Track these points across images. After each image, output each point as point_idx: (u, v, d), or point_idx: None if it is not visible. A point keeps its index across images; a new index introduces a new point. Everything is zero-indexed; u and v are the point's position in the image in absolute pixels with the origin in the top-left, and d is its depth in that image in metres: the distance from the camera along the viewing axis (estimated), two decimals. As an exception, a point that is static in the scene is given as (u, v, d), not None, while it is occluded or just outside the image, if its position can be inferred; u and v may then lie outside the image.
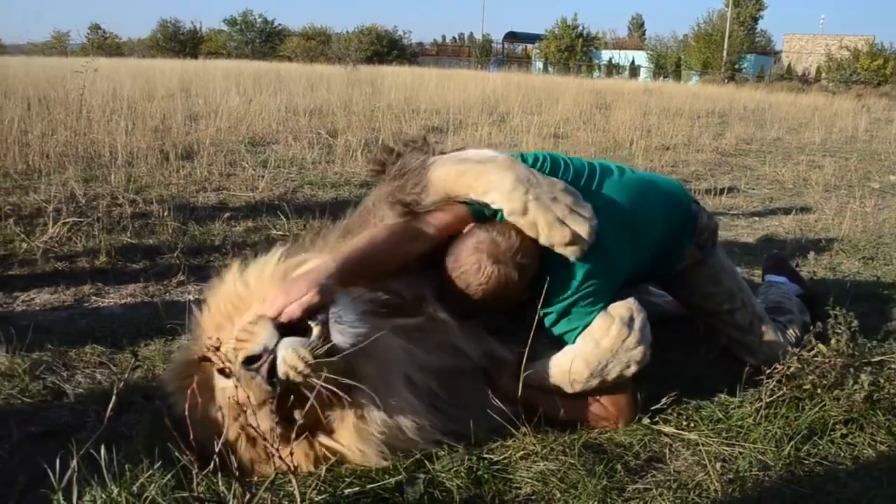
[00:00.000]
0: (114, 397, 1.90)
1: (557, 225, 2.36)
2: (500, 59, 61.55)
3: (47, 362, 2.89)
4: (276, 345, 1.97)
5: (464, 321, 2.51)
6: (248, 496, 1.72)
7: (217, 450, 1.74)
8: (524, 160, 2.69)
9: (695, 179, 8.17)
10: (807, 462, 2.40)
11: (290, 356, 1.94)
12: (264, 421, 1.96)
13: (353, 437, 2.14)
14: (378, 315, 2.24)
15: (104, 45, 63.30)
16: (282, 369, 1.96)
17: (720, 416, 2.66)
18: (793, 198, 7.47)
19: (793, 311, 3.36)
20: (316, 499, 2.01)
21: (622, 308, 2.51)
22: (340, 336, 2.01)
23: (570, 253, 2.40)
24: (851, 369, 2.75)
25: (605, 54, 64.13)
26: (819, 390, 2.68)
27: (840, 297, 3.57)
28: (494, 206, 2.45)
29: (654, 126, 12.44)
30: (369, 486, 2.10)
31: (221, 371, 2.03)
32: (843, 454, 2.47)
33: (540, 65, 60.35)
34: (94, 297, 3.69)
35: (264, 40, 65.50)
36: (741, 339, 3.08)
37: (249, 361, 1.96)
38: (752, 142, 11.93)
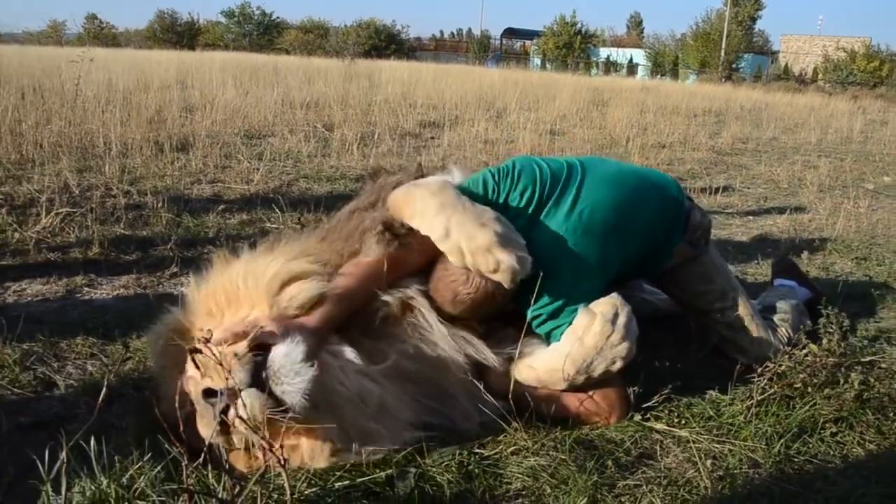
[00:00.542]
0: (104, 389, 1.89)
1: (481, 252, 2.36)
2: (498, 55, 61.47)
3: (38, 353, 2.88)
4: (239, 391, 1.96)
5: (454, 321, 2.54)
6: (237, 489, 1.71)
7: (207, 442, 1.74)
8: (491, 175, 2.71)
9: (690, 178, 8.17)
10: (797, 460, 2.41)
11: (245, 410, 1.93)
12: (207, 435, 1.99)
13: (309, 456, 2.16)
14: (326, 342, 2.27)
15: (100, 35, 63.14)
16: (234, 415, 1.98)
17: (711, 413, 2.67)
18: (787, 197, 7.48)
19: (787, 312, 3.36)
20: (306, 492, 2.02)
21: (605, 305, 2.52)
22: (286, 396, 1.99)
23: (502, 280, 2.39)
24: (842, 368, 2.77)
25: (603, 52, 64.12)
26: (810, 389, 2.69)
27: (832, 297, 3.59)
28: (421, 232, 2.46)
29: (650, 124, 12.44)
30: (359, 480, 2.10)
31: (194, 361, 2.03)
32: (832, 453, 2.48)
33: (538, 61, 60.35)
34: (86, 288, 3.68)
35: (262, 33, 65.33)
36: (732, 338, 3.09)
37: (209, 394, 1.98)
38: (748, 141, 11.94)
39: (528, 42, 70.81)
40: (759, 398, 2.63)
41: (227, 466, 1.86)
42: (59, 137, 7.20)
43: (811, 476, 2.34)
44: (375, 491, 2.09)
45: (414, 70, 22.50)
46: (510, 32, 73.00)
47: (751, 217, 6.41)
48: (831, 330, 2.79)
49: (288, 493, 1.65)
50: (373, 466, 2.17)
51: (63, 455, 1.85)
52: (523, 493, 2.16)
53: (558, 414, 2.55)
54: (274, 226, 4.92)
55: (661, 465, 2.36)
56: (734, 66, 52.54)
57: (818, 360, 2.71)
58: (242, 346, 2.02)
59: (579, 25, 62.63)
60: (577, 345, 2.47)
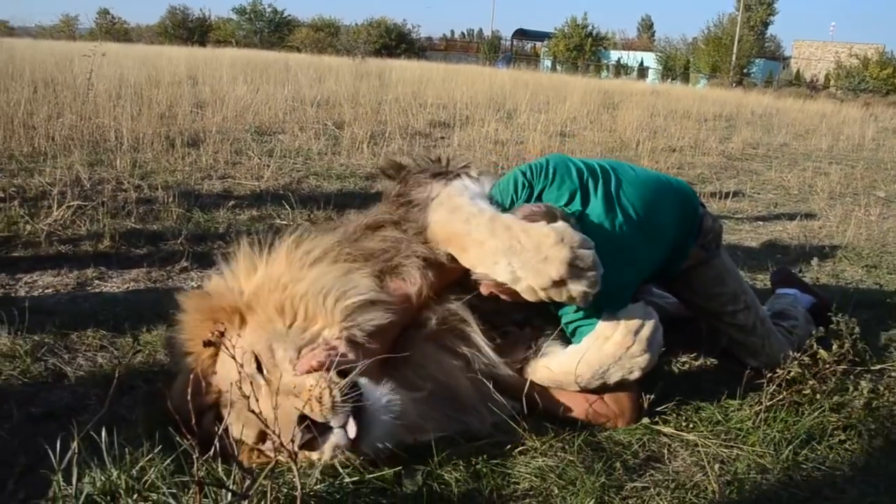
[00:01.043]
0: (115, 380, 1.90)
1: (553, 288, 2.29)
2: (508, 55, 61.41)
3: (49, 344, 2.90)
4: (330, 430, 2.02)
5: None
6: (248, 482, 1.72)
7: (218, 435, 1.75)
8: (522, 173, 2.70)
9: (700, 182, 8.16)
10: (805, 466, 2.40)
11: (329, 453, 2.03)
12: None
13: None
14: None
15: (112, 30, 63.31)
16: (323, 455, 2.05)
17: (720, 417, 2.67)
18: (798, 204, 7.46)
19: (797, 318, 3.36)
20: (316, 487, 2.02)
21: (631, 315, 2.51)
22: (367, 442, 2.08)
23: (578, 304, 2.36)
24: (852, 376, 2.76)
25: (614, 54, 64.06)
26: (819, 396, 2.68)
27: (842, 305, 3.57)
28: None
29: (660, 128, 12.42)
30: (369, 477, 2.10)
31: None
32: (841, 460, 2.47)
33: (548, 63, 60.29)
34: (96, 281, 3.70)
35: (273, 30, 65.43)
36: (744, 341, 3.08)
37: (302, 421, 1.98)
38: (758, 146, 11.90)
39: (538, 43, 70.76)
40: (767, 404, 2.62)
41: (238, 460, 1.87)
42: (70, 131, 7.23)
43: (819, 483, 2.33)
44: (384, 488, 2.09)
45: (424, 69, 22.51)
46: (521, 33, 72.95)
47: (760, 223, 6.40)
48: (841, 337, 2.78)
49: (299, 488, 1.66)
50: (382, 464, 2.18)
51: (74, 445, 1.86)
52: (531, 493, 2.16)
53: (567, 413, 2.55)
54: (284, 222, 4.93)
55: (668, 468, 2.36)
56: (745, 71, 52.40)
57: (828, 366, 2.71)
58: (335, 381, 2.05)
59: (590, 28, 62.59)
60: (595, 351, 2.48)
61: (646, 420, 2.59)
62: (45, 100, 8.33)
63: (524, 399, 2.49)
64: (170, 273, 3.90)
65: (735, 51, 51.49)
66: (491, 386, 2.45)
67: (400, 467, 2.16)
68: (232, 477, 1.93)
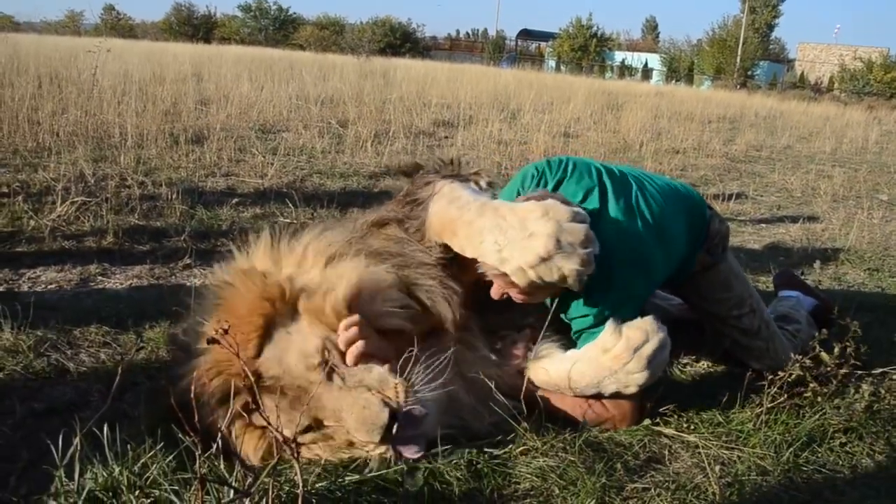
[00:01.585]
0: (118, 377, 1.91)
1: (542, 265, 2.20)
2: (512, 56, 61.34)
3: (52, 340, 2.90)
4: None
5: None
6: (249, 480, 1.72)
7: (221, 432, 1.75)
8: (535, 167, 2.70)
9: (703, 184, 8.15)
10: (805, 469, 2.41)
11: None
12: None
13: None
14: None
15: (117, 26, 63.26)
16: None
17: (720, 419, 2.67)
18: (801, 206, 7.46)
19: (800, 321, 3.36)
20: (317, 485, 2.03)
21: (636, 330, 2.43)
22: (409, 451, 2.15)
23: (569, 286, 2.29)
24: (853, 379, 2.76)
25: (618, 55, 63.94)
26: (820, 398, 2.69)
27: (844, 308, 3.57)
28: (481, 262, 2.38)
29: (664, 129, 12.41)
30: (370, 475, 2.11)
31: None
32: (841, 462, 2.47)
33: (552, 63, 60.19)
34: (100, 277, 3.71)
35: (278, 28, 65.43)
36: (748, 344, 3.06)
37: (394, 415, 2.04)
38: (762, 149, 11.89)
39: (543, 44, 70.61)
40: (768, 406, 2.62)
41: (240, 457, 1.87)
42: (75, 127, 7.25)
43: (820, 485, 2.33)
44: (385, 487, 2.10)
45: (429, 69, 22.50)
46: (525, 34, 72.77)
47: (763, 225, 6.39)
48: (843, 340, 2.78)
49: (300, 486, 1.66)
50: (383, 462, 2.18)
51: (76, 441, 1.86)
52: (532, 493, 2.17)
53: (567, 415, 2.55)
54: (287, 220, 4.94)
55: (669, 469, 2.36)
56: (749, 73, 52.30)
57: (829, 369, 2.71)
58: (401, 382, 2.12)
59: (595, 28, 62.44)
60: (592, 361, 2.45)
61: (647, 421, 2.59)
62: (50, 95, 8.33)
63: (524, 400, 2.49)
64: (173, 270, 3.91)
65: (739, 53, 51.39)
66: (493, 386, 2.45)
67: (402, 466, 2.16)
68: (234, 474, 1.93)
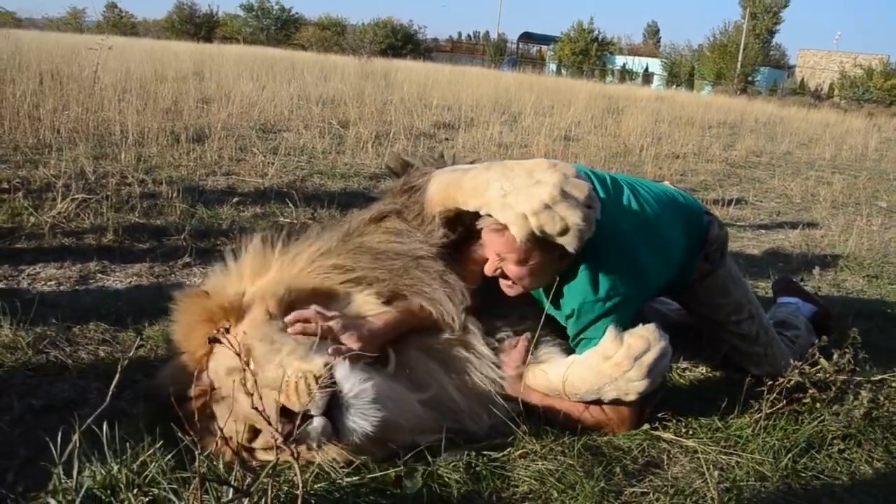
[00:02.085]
0: (118, 374, 1.90)
1: (545, 212, 2.19)
2: (514, 58, 61.36)
3: (51, 337, 2.90)
4: (310, 419, 2.02)
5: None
6: (248, 480, 1.72)
7: (220, 432, 1.75)
8: None
9: (703, 189, 8.16)
10: (804, 475, 2.41)
11: (314, 441, 2.04)
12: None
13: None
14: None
15: (119, 23, 63.29)
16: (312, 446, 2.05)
17: (719, 425, 2.67)
18: (800, 212, 7.47)
19: (799, 328, 3.35)
20: (315, 486, 2.02)
21: (637, 338, 2.42)
22: (354, 432, 2.06)
23: (568, 244, 2.24)
24: (852, 386, 2.76)
25: (619, 60, 64.01)
26: (819, 405, 2.68)
27: (843, 315, 3.58)
28: (482, 213, 2.37)
29: (664, 134, 12.42)
30: (368, 477, 2.11)
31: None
32: (839, 469, 2.47)
33: (553, 67, 60.20)
34: (99, 275, 3.70)
35: (280, 28, 65.52)
36: (747, 350, 3.06)
37: (285, 413, 1.99)
38: (762, 154, 11.90)
39: (544, 47, 70.69)
40: (767, 411, 2.62)
41: (241, 457, 1.87)
42: (76, 124, 7.24)
43: (818, 492, 2.33)
44: (384, 489, 2.09)
45: (430, 71, 22.52)
46: (527, 37, 72.79)
47: (763, 231, 6.40)
48: (842, 347, 2.78)
49: (300, 486, 1.66)
50: (382, 464, 2.18)
51: (75, 439, 1.86)
52: (530, 496, 2.17)
53: (566, 419, 2.54)
54: (287, 220, 4.94)
55: (668, 474, 2.36)
56: (750, 78, 52.34)
57: (828, 376, 2.71)
58: (319, 368, 2.05)
59: (596, 32, 62.52)
60: (592, 368, 2.44)
61: (646, 426, 2.59)
62: (51, 92, 8.33)
63: (521, 402, 2.49)
64: (172, 268, 3.91)
65: (740, 58, 51.43)
66: (493, 389, 2.45)
67: (400, 468, 2.16)
68: (233, 474, 1.93)
